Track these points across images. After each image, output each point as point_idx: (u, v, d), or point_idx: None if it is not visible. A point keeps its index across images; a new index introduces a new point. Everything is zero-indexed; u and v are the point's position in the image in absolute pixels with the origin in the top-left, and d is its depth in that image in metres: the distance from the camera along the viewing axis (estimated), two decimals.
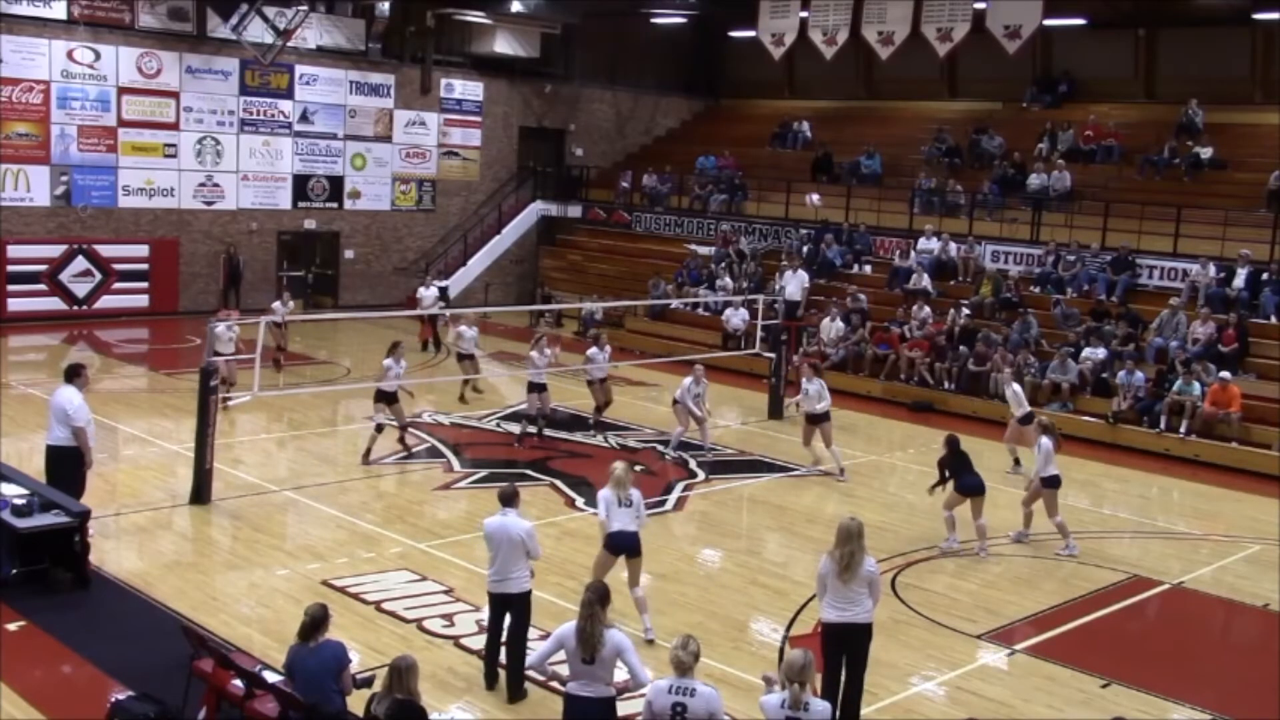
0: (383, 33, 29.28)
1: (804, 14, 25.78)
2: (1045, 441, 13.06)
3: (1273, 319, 20.10)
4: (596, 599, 7.10)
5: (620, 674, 7.18)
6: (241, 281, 27.20)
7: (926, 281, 23.72)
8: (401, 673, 6.74)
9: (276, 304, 20.90)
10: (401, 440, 15.90)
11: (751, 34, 27.64)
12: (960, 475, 13.01)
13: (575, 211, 32.66)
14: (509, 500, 9.04)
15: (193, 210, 26.95)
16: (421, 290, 24.46)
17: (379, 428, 15.37)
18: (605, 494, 9.90)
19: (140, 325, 25.79)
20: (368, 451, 15.31)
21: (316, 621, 7.38)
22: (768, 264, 26.13)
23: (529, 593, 8.97)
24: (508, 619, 8.97)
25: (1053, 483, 13.06)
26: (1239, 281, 20.79)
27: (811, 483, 15.81)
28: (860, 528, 8.22)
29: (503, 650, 9.07)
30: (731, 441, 17.74)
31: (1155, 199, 23.07)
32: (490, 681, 9.00)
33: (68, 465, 11.48)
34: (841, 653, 8.29)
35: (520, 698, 8.85)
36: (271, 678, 7.63)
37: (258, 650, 9.20)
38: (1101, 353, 20.16)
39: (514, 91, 32.13)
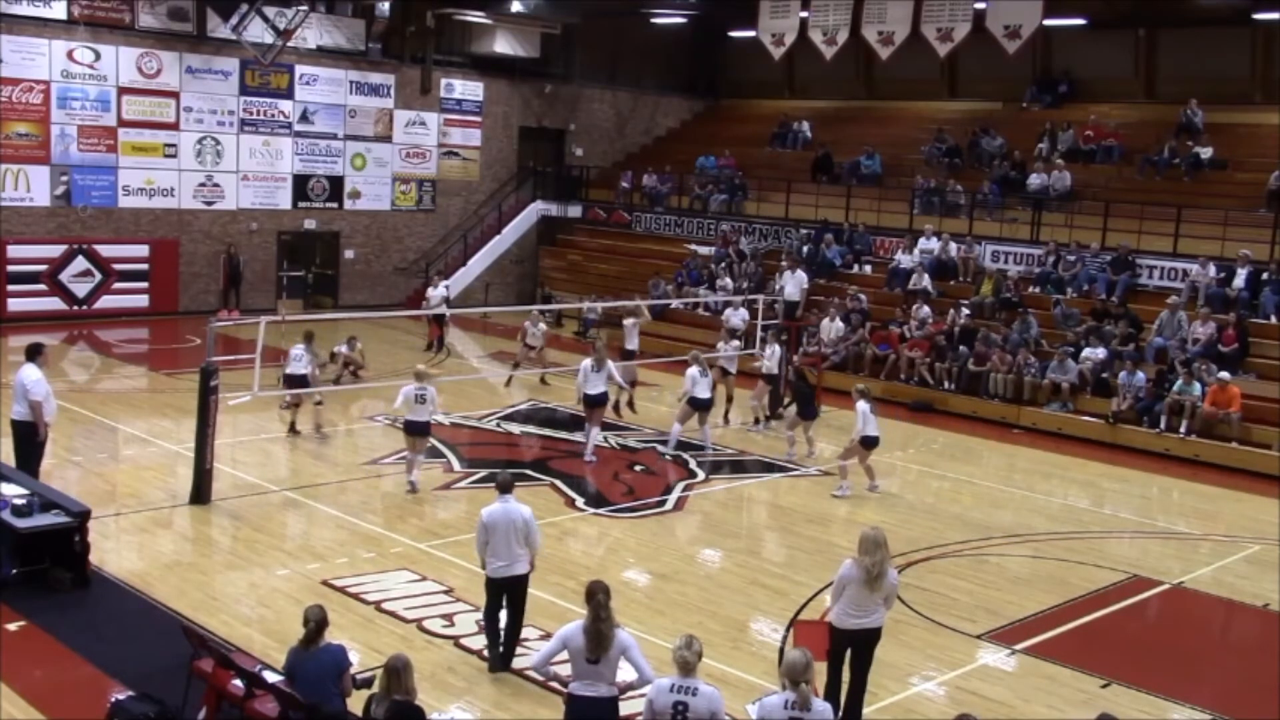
0: (383, 33, 29.27)
1: (804, 14, 25.77)
2: (863, 405, 14.62)
3: (1273, 319, 20.10)
4: (607, 599, 7.10)
5: (624, 674, 7.17)
6: (241, 281, 27.20)
7: (927, 281, 23.73)
8: (397, 673, 6.73)
9: (342, 347, 19.92)
10: (292, 425, 16.71)
11: (751, 34, 27.63)
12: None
13: (575, 211, 32.65)
14: (507, 488, 9.41)
15: (193, 210, 26.95)
16: (430, 290, 24.45)
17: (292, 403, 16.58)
18: (406, 389, 13.81)
19: (140, 325, 25.79)
20: (293, 424, 16.68)
21: (319, 626, 7.37)
22: (768, 264, 26.13)
23: (528, 575, 9.33)
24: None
25: (870, 443, 14.76)
26: (1239, 281, 20.79)
27: (811, 483, 15.81)
28: (884, 537, 8.25)
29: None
30: (731, 441, 17.73)
31: (1155, 199, 23.05)
32: (495, 664, 9.21)
33: (29, 438, 12.07)
34: (846, 655, 8.31)
35: (506, 669, 9.17)
36: (271, 678, 7.63)
37: (258, 650, 9.19)
38: (1101, 353, 20.15)
39: (514, 91, 32.13)
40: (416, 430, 13.99)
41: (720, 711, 6.48)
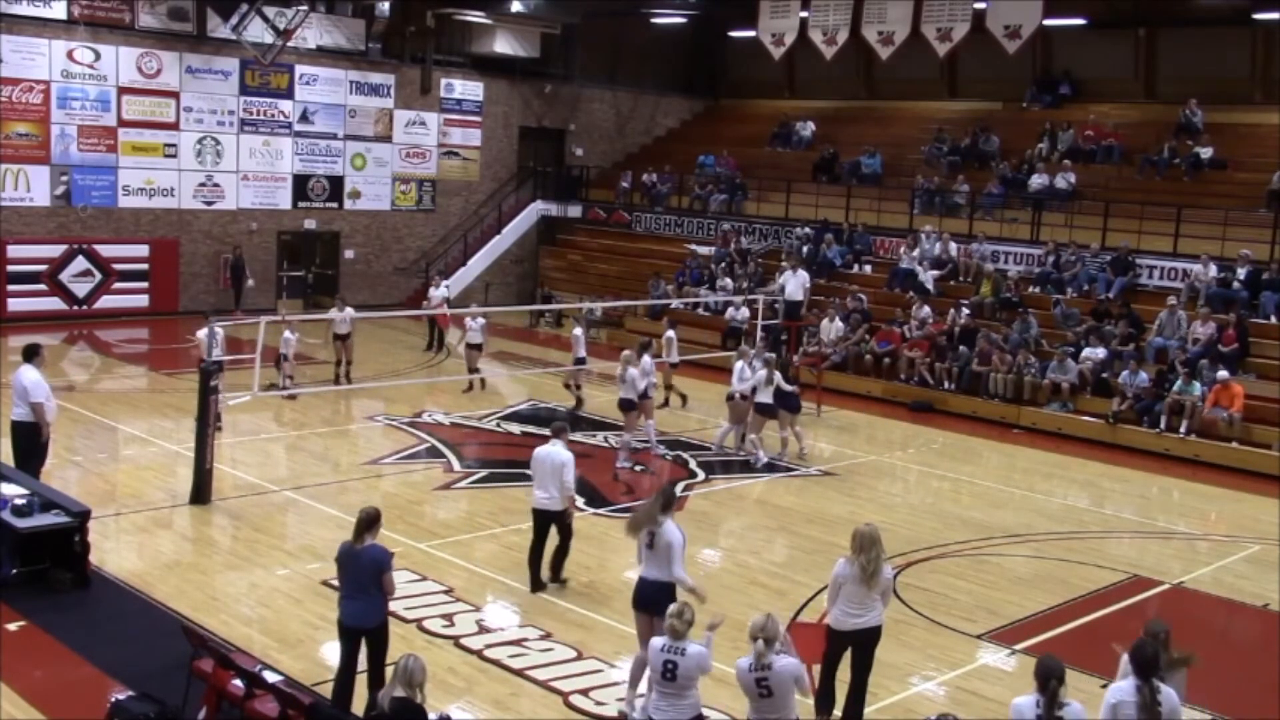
0: (383, 33, 29.28)
1: (804, 14, 25.78)
2: (765, 374, 16.00)
3: (1273, 319, 20.10)
4: (664, 499, 8.76)
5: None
6: (243, 283, 27.10)
7: (927, 281, 23.72)
8: (405, 671, 6.71)
9: (334, 311, 19.98)
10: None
11: (751, 34, 27.64)
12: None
13: (575, 211, 32.66)
14: (559, 433, 10.95)
15: (193, 210, 26.94)
16: (432, 290, 24.41)
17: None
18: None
19: (140, 325, 25.79)
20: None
21: (365, 523, 8.00)
22: (768, 264, 26.12)
23: (564, 512, 10.73)
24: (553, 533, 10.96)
25: (766, 410, 16.06)
26: (1239, 282, 20.78)
27: (811, 483, 15.81)
28: (878, 534, 8.24)
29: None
30: (731, 441, 17.70)
31: (1155, 199, 23.06)
32: (535, 587, 10.87)
33: (32, 438, 12.01)
34: (844, 654, 8.31)
35: (562, 583, 11.00)
36: (271, 678, 7.64)
37: (258, 650, 9.20)
38: (1101, 353, 20.15)
39: (514, 91, 32.14)
40: (620, 405, 15.97)
41: (707, 666, 7.19)
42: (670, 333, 19.77)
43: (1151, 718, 6.16)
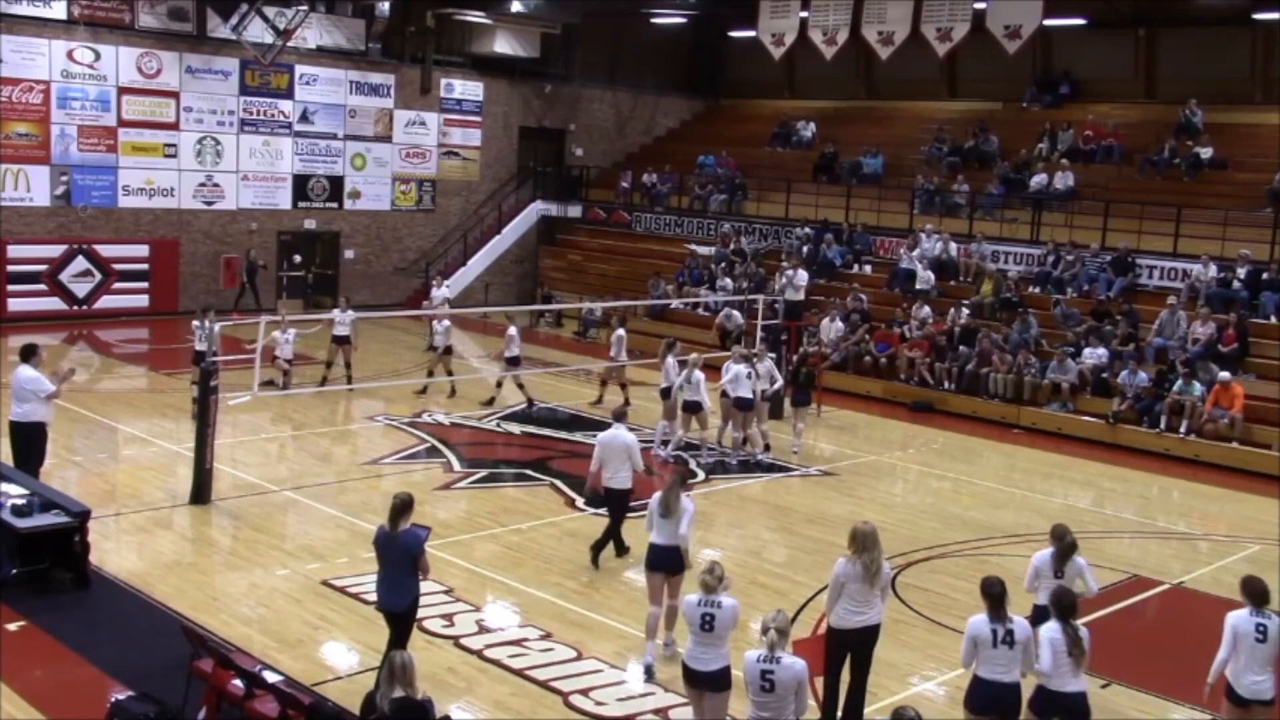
0: (383, 33, 29.28)
1: (804, 14, 25.78)
2: (736, 367, 16.21)
3: (1273, 319, 20.09)
4: (679, 481, 9.67)
5: None
6: (244, 284, 27.07)
7: (927, 281, 23.71)
8: (400, 669, 6.70)
9: (336, 311, 19.71)
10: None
11: (751, 34, 27.64)
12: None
13: (575, 211, 32.67)
14: (620, 417, 11.85)
15: (193, 210, 26.94)
16: (433, 290, 24.41)
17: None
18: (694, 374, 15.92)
19: (140, 325, 25.79)
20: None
21: (399, 508, 8.35)
22: (768, 264, 26.12)
23: (629, 491, 11.52)
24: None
25: (744, 404, 16.14)
26: (1239, 281, 20.78)
27: (811, 483, 15.82)
28: (876, 532, 8.26)
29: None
30: (731, 442, 17.70)
31: (1155, 199, 23.05)
32: (620, 551, 11.88)
33: (31, 438, 12.00)
34: (847, 656, 8.31)
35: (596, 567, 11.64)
36: (271, 678, 7.64)
37: (258, 650, 9.20)
38: (1101, 353, 20.15)
39: (514, 91, 32.14)
40: (686, 408, 16.18)
41: (738, 614, 7.78)
42: (620, 331, 19.49)
43: (1079, 650, 7.34)
